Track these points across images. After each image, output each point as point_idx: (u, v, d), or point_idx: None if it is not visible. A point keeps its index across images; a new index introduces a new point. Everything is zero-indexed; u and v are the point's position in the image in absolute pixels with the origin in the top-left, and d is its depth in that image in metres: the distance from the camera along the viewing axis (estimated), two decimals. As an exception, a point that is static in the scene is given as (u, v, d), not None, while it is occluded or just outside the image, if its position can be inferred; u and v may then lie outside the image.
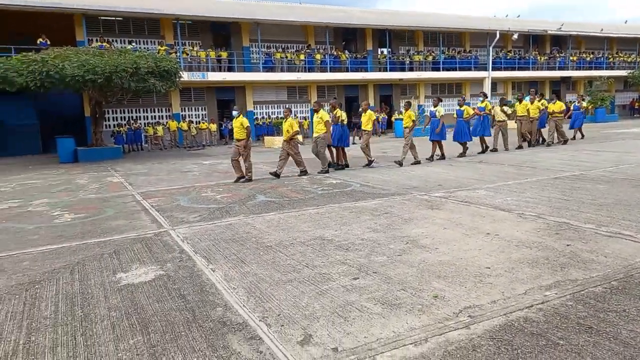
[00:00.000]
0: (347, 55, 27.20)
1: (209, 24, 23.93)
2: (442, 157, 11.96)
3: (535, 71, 32.56)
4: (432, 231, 5.10)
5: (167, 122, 22.76)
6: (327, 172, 10.34)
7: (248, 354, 2.67)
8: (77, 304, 3.51)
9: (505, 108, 13.40)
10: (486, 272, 3.79)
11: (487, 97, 13.84)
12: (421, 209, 6.25)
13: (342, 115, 11.08)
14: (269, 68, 24.94)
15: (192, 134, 21.98)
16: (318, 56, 26.07)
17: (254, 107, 25.50)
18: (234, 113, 9.78)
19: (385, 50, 28.71)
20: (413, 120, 11.40)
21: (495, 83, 31.44)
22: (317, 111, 10.46)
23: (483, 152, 12.97)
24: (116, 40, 21.71)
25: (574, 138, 15.93)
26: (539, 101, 14.59)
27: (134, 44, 21.35)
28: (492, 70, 29.96)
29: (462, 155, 12.30)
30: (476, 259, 4.13)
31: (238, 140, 9.61)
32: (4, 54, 15.75)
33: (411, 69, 28.72)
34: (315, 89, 26.96)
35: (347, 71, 26.79)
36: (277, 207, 6.81)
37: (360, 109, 11.90)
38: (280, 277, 3.89)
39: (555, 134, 14.28)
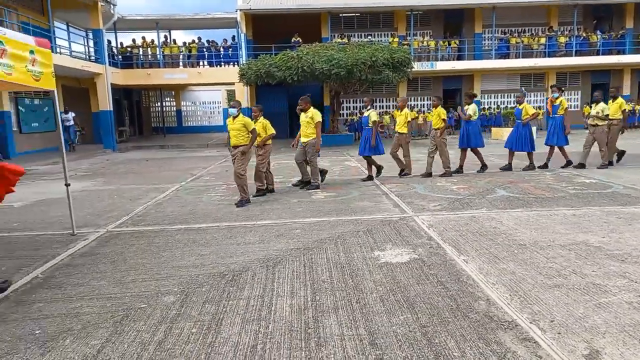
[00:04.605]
0: (598, 36, 23.49)
1: (442, 12, 23.69)
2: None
3: None
4: None
5: (393, 112, 23.59)
6: (317, 187, 8.07)
7: (525, 355, 2.57)
8: (347, 274, 3.93)
9: (600, 107, 9.26)
10: None
11: (562, 91, 9.89)
12: None
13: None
14: (502, 55, 23.40)
15: (419, 122, 22.26)
16: (562, 39, 23.22)
17: (481, 96, 24.36)
18: (232, 111, 6.96)
19: (651, 27, 23.77)
20: (444, 120, 9.02)
21: None
22: (305, 110, 8.03)
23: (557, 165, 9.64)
24: (354, 35, 23.40)
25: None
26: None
27: (370, 37, 22.68)
28: None
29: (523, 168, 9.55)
30: None
31: (235, 146, 6.98)
32: (268, 52, 18.68)
33: (690, 49, 23.12)
34: (554, 76, 24.14)
35: (597, 54, 23.16)
36: (523, 204, 6.36)
37: None
38: (544, 281, 3.62)
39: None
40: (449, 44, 23.19)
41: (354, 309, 3.25)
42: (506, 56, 23.38)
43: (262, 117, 7.71)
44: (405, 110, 9.21)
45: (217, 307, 3.34)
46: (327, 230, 5.37)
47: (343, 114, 23.11)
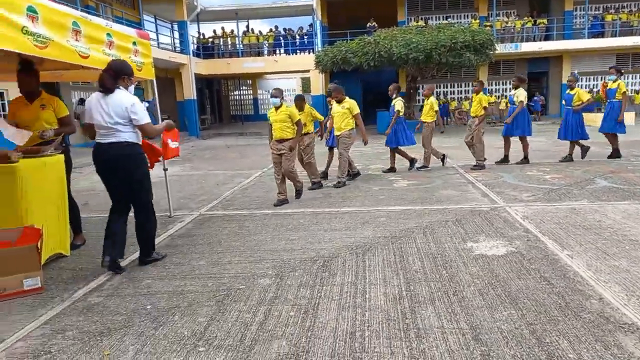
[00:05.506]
0: None
1: (527, -11, 22.23)
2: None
3: None
4: None
5: (472, 97, 22.64)
6: (342, 185, 7.33)
7: (653, 362, 2.34)
8: (440, 264, 3.82)
9: None
10: None
11: (621, 73, 8.91)
12: None
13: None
14: (596, 34, 21.51)
15: (501, 108, 21.19)
16: (668, 13, 20.90)
17: (571, 79, 22.62)
18: (274, 101, 6.23)
19: None
20: (484, 108, 8.24)
21: None
22: (340, 101, 7.37)
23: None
24: (431, 18, 22.60)
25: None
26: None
27: (448, 19, 21.79)
28: None
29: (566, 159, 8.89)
30: None
31: (280, 140, 6.29)
32: (343, 38, 18.56)
33: None
34: (657, 55, 21.88)
35: None
36: (630, 196, 5.82)
37: None
38: (666, 281, 3.29)
39: None
40: (535, 23, 21.68)
41: (451, 301, 3.15)
42: (600, 35, 21.49)
43: (307, 105, 7.33)
44: (432, 98, 8.73)
45: (311, 291, 3.38)
46: (414, 219, 5.25)
47: (419, 99, 22.51)
